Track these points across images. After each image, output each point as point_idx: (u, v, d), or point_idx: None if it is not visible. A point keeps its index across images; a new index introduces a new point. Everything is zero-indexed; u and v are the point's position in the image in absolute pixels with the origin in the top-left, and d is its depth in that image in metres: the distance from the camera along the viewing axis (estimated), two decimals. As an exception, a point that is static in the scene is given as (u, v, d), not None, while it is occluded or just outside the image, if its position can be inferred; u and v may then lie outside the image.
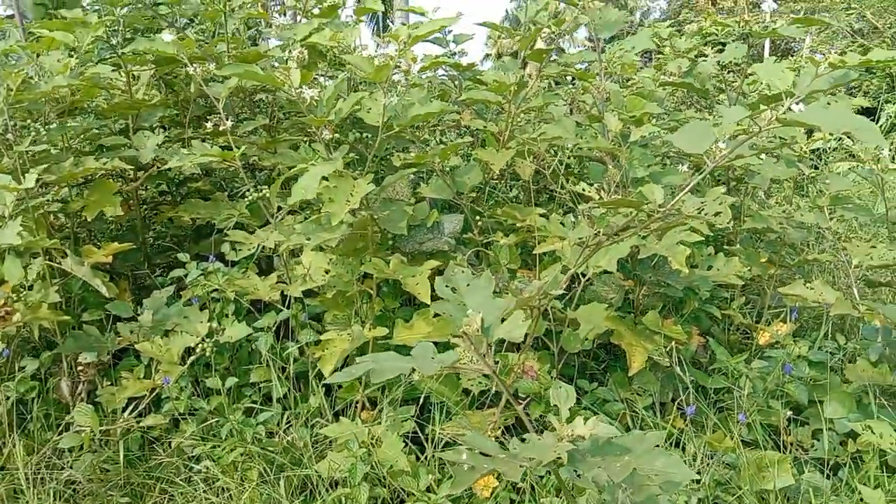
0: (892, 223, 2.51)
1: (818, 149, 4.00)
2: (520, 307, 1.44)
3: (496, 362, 2.04)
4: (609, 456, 1.31)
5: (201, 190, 3.26)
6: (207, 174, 3.35)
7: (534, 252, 2.22)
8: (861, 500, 1.82)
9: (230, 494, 2.20)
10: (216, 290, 2.49)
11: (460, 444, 2.06)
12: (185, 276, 2.51)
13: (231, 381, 2.29)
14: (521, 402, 1.55)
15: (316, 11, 2.92)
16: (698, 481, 1.92)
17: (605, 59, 2.36)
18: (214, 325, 2.43)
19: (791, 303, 2.52)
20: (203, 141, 2.36)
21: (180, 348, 2.38)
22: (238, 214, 2.66)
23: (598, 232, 1.72)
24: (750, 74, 2.53)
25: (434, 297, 2.05)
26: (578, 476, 1.49)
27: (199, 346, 2.34)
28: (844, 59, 1.38)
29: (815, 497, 1.84)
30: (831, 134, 3.18)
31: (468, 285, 1.43)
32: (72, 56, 2.59)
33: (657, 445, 1.30)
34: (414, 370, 1.34)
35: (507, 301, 1.43)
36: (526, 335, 2.11)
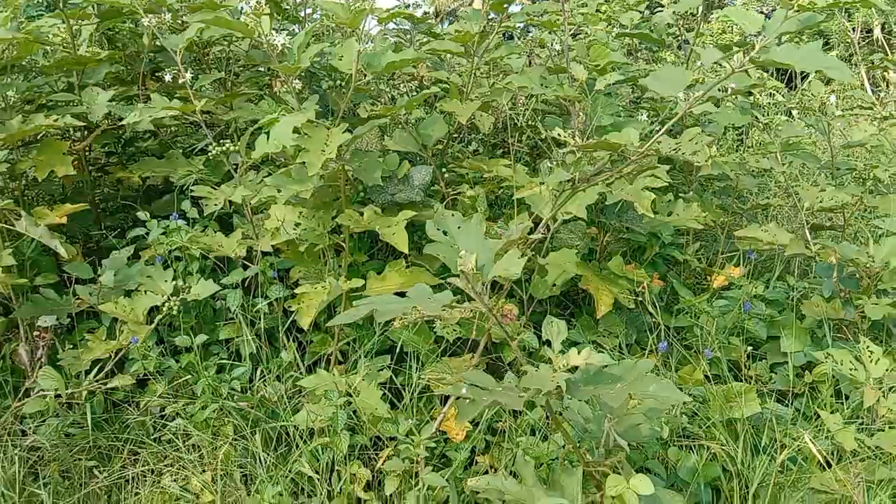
0: (837, 168, 2.65)
1: (756, 102, 4.13)
2: (509, 247, 1.47)
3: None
4: (602, 384, 1.37)
5: (149, 149, 3.17)
6: (155, 134, 3.25)
7: (506, 206, 2.25)
8: (820, 424, 1.95)
9: (202, 453, 2.19)
10: (178, 248, 2.44)
11: (438, 389, 2.10)
12: (145, 235, 2.45)
13: (201, 338, 2.27)
14: (498, 345, 1.59)
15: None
16: (668, 412, 2.01)
17: (567, 8, 2.39)
18: (180, 283, 2.38)
19: (744, 246, 2.64)
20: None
21: (145, 308, 2.34)
22: (196, 171, 2.61)
23: (575, 175, 1.76)
24: (708, 23, 2.59)
25: (411, 247, 2.07)
26: (566, 410, 1.55)
27: (166, 304, 2.30)
28: (813, 1, 1.44)
29: (778, 423, 1.96)
30: (770, 88, 3.30)
31: (459, 227, 1.45)
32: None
33: (648, 372, 1.36)
34: (392, 319, 1.36)
35: (497, 241, 1.46)
36: (497, 281, 2.16)
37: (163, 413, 2.28)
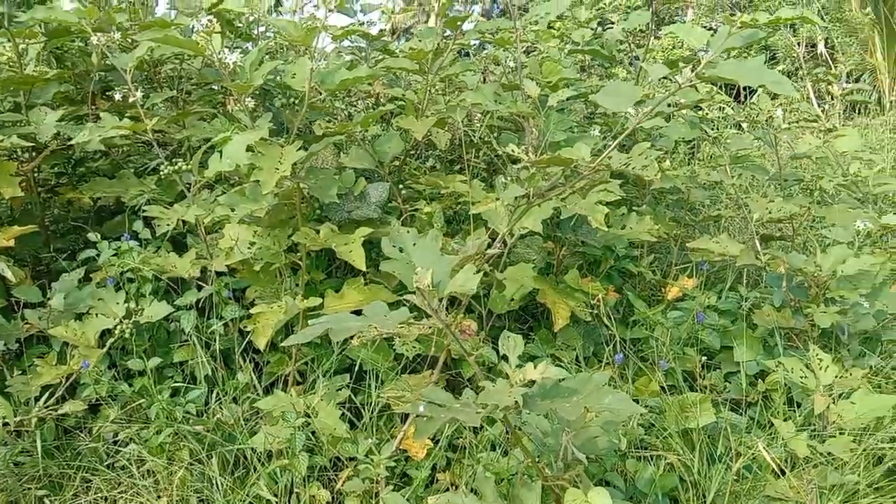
0: (785, 180, 2.72)
1: (705, 117, 4.23)
2: (465, 263, 1.48)
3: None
4: (559, 398, 1.38)
5: (101, 169, 3.10)
6: (106, 154, 3.19)
7: (464, 222, 2.26)
8: (774, 432, 1.98)
9: (158, 478, 2.14)
10: (130, 269, 2.40)
11: (398, 408, 2.09)
12: (96, 257, 2.40)
13: (155, 360, 2.22)
14: (458, 361, 1.59)
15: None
16: (624, 424, 2.03)
17: (519, 26, 2.42)
18: (132, 305, 2.34)
19: (696, 258, 2.69)
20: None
21: (97, 331, 2.28)
22: (149, 191, 2.56)
23: (530, 191, 1.78)
24: (657, 39, 2.64)
25: (369, 264, 2.06)
26: (524, 424, 1.56)
27: (118, 327, 2.25)
28: (756, 18, 1.48)
29: (733, 432, 1.99)
30: (718, 103, 3.39)
31: (415, 244, 1.45)
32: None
33: (604, 384, 1.38)
34: (353, 336, 1.36)
35: (453, 258, 1.47)
36: (455, 297, 2.16)
37: (116, 439, 2.23)
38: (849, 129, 2.75)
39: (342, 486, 1.97)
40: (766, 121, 2.62)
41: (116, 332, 2.25)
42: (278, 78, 2.55)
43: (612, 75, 3.62)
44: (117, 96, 2.16)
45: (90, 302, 2.36)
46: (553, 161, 1.69)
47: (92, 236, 2.43)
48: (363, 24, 3.13)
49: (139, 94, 2.21)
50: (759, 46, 15.34)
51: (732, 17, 1.50)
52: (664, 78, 1.63)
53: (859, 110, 12.19)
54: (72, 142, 2.28)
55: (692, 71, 1.52)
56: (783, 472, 1.90)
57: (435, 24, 2.54)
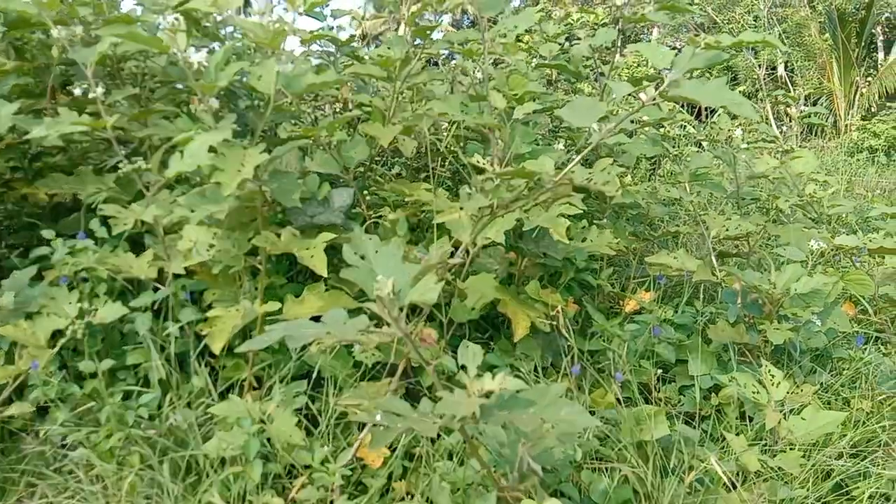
0: (741, 198, 2.78)
1: (667, 134, 4.30)
2: (426, 272, 1.48)
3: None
4: (516, 409, 1.38)
5: (58, 165, 3.03)
6: (64, 150, 3.12)
7: (428, 230, 2.26)
8: (726, 445, 2.02)
9: (106, 484, 2.10)
10: (85, 269, 2.34)
11: (355, 416, 2.07)
12: (50, 254, 2.34)
13: (107, 363, 2.17)
14: (418, 369, 1.59)
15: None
16: (580, 435, 2.05)
17: (488, 37, 2.43)
18: (85, 305, 2.28)
19: (655, 271, 2.73)
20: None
21: (48, 331, 2.22)
22: (107, 189, 2.51)
23: (493, 202, 1.79)
24: (622, 56, 2.68)
25: (331, 270, 2.05)
26: (480, 434, 1.56)
27: (70, 328, 2.20)
28: (719, 40, 1.51)
29: (686, 446, 2.02)
30: (681, 121, 3.45)
31: (377, 252, 1.44)
32: None
33: (560, 396, 1.38)
34: (312, 342, 1.35)
35: (414, 266, 1.46)
36: (416, 305, 2.15)
37: (64, 442, 2.17)
38: (805, 151, 2.83)
39: (296, 494, 1.95)
40: (726, 140, 2.68)
41: (68, 332, 2.19)
42: (244, 79, 2.52)
43: (577, 90, 3.66)
44: (77, 91, 2.11)
45: (42, 301, 2.30)
46: (517, 174, 1.70)
47: (46, 233, 2.37)
48: (332, 29, 3.12)
49: (100, 90, 2.17)
50: (721, 67, 15.72)
51: (696, 39, 1.52)
52: (628, 95, 1.65)
53: (816, 132, 12.53)
54: (28, 136, 2.22)
55: (656, 89, 1.55)
56: (734, 486, 1.93)
57: (404, 33, 2.54)
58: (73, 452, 2.11)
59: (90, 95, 2.15)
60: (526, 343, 2.50)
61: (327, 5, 3.08)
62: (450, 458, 2.07)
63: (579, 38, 2.98)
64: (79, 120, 2.07)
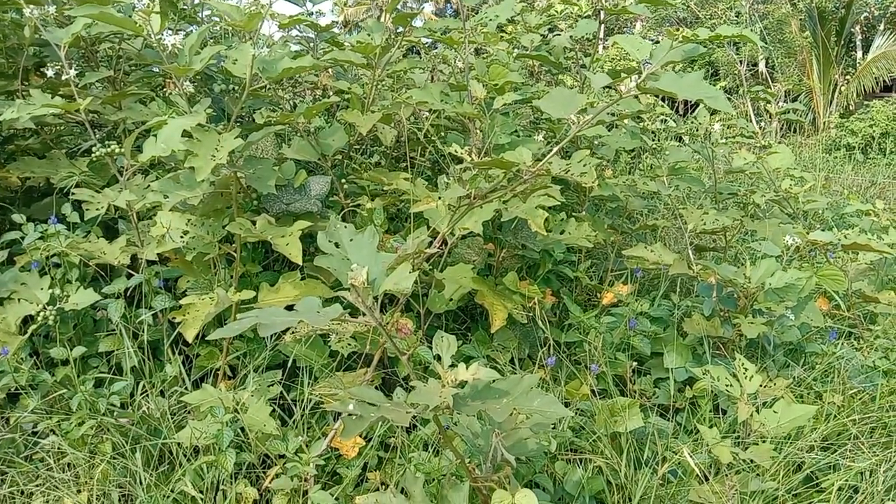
0: (719, 192, 2.79)
1: (646, 128, 4.32)
2: (401, 262, 1.47)
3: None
4: (489, 399, 1.38)
5: (31, 148, 2.98)
6: (37, 132, 3.06)
7: (407, 219, 2.25)
8: (700, 438, 2.03)
9: (78, 472, 2.07)
10: (57, 254, 2.30)
11: (330, 405, 2.06)
12: (21, 239, 2.30)
13: (79, 350, 2.14)
14: (394, 359, 1.58)
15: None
16: (555, 427, 2.05)
17: (469, 27, 2.42)
18: (57, 291, 2.25)
19: (632, 265, 2.74)
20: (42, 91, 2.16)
21: (18, 317, 2.19)
22: (80, 173, 2.47)
23: (471, 192, 1.78)
24: (604, 48, 2.68)
25: (307, 258, 2.03)
26: (455, 424, 1.56)
27: (41, 314, 2.16)
28: (697, 33, 1.51)
29: (660, 438, 2.03)
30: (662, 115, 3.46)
31: (351, 240, 1.43)
32: None
33: (533, 387, 1.38)
34: (287, 329, 1.33)
35: (390, 255, 1.45)
36: (393, 295, 2.14)
37: (35, 430, 2.14)
38: (782, 147, 2.84)
39: (270, 483, 1.94)
40: (705, 135, 2.69)
41: (39, 318, 2.16)
42: (221, 63, 2.49)
43: (559, 81, 3.66)
44: (50, 73, 2.07)
45: (12, 286, 2.26)
46: (495, 164, 1.69)
47: (17, 217, 2.33)
48: (312, 14, 3.08)
49: (73, 72, 2.13)
50: (703, 62, 15.82)
51: (675, 32, 1.52)
52: (607, 87, 1.64)
53: (795, 129, 12.65)
54: (-1, 118, 2.18)
55: (634, 82, 1.54)
56: (707, 478, 1.94)
57: (385, 20, 2.52)
58: (43, 440, 2.08)
59: (63, 77, 2.11)
60: (503, 334, 2.50)
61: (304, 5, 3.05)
62: (425, 448, 2.07)
63: (560, 30, 2.97)
64: (51, 102, 2.04)
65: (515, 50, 3.19)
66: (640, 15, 2.42)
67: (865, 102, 14.12)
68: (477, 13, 2.64)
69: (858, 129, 12.93)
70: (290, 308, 1.38)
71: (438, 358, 1.43)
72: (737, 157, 2.80)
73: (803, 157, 8.40)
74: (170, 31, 1.91)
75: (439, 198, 2.11)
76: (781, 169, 2.83)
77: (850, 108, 14.60)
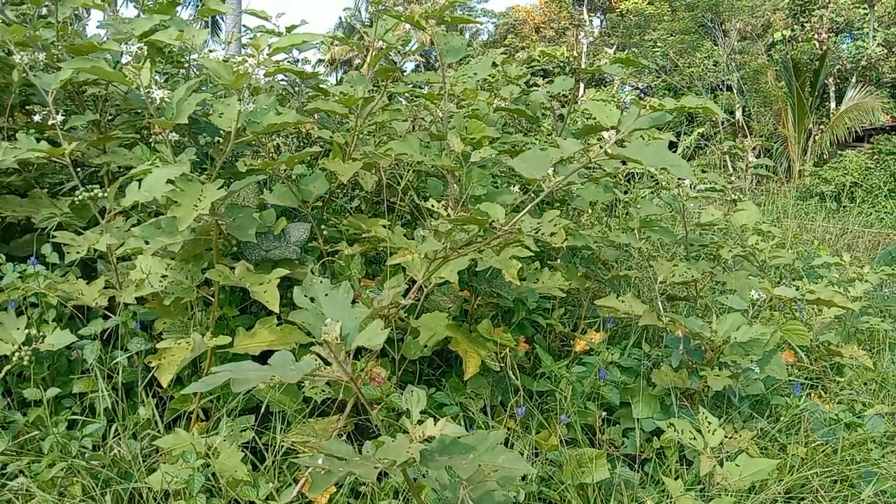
0: (690, 244, 2.87)
1: (629, 174, 4.43)
2: (375, 316, 1.51)
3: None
4: (456, 454, 1.41)
5: (13, 185, 3.00)
6: (19, 171, 3.09)
7: (386, 263, 2.29)
8: (665, 488, 2.07)
9: (46, 513, 2.06)
10: (35, 294, 2.32)
11: (302, 452, 2.08)
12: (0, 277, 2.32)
13: (53, 391, 2.15)
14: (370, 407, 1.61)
15: (151, 5, 2.81)
16: (524, 478, 2.08)
17: (449, 81, 2.50)
18: (33, 331, 2.26)
19: (604, 314, 2.79)
20: (27, 133, 2.20)
21: (-7, 356, 2.19)
22: (61, 214, 2.50)
23: (446, 245, 1.83)
24: (577, 105, 2.77)
25: (284, 303, 2.06)
26: (424, 476, 1.59)
27: (16, 354, 2.17)
28: (663, 104, 1.59)
29: (626, 489, 2.07)
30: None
31: (326, 295, 1.47)
32: None
33: (499, 443, 1.42)
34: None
35: (363, 310, 1.49)
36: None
37: (4, 471, 2.13)
38: (748, 203, 2.94)
39: (239, 529, 1.95)
40: (676, 188, 2.78)
41: (14, 358, 2.16)
42: (207, 108, 2.54)
43: (537, 132, 3.75)
44: (37, 118, 2.11)
45: (-12, 325, 2.27)
46: (470, 220, 1.75)
47: (-6, 257, 2.35)
48: (297, 61, 3.16)
49: (60, 117, 2.17)
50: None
51: (641, 101, 1.60)
52: (578, 150, 1.71)
53: (770, 177, 12.91)
54: (-18, 159, 2.21)
55: (601, 148, 1.62)
56: (671, 530, 1.98)
57: (367, 73, 2.59)
58: (12, 482, 2.08)
59: (50, 122, 2.15)
60: (476, 381, 2.54)
61: (290, 52, 3.13)
62: (395, 496, 2.09)
63: (538, 84, 3.07)
64: (37, 147, 2.07)
65: (496, 100, 3.28)
66: (613, 74, 2.52)
67: (839, 152, 14.49)
68: (461, 64, 2.73)
69: (832, 177, 13.25)
70: (267, 354, 1.41)
71: (408, 412, 1.47)
72: (704, 213, 2.89)
73: (777, 205, 8.57)
74: (155, 84, 1.95)
75: (416, 248, 2.17)
76: (748, 224, 2.92)
77: (824, 156, 14.96)
